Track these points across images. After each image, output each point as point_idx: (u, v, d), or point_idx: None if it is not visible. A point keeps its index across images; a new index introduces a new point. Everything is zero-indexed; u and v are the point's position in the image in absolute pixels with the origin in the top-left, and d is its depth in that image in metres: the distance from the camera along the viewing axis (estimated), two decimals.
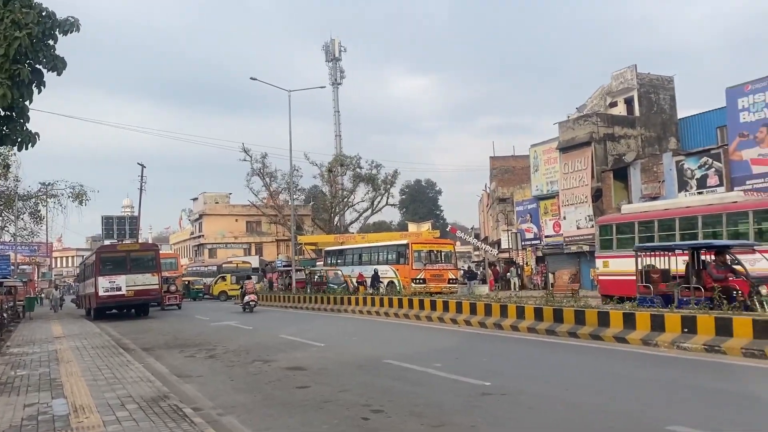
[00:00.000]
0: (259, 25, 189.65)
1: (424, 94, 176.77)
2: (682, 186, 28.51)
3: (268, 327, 19.47)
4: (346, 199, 57.31)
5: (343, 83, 76.06)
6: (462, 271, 40.85)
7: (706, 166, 27.82)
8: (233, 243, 65.71)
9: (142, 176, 45.44)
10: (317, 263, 42.86)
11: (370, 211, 57.17)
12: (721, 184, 26.78)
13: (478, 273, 47.16)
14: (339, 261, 36.07)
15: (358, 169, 55.57)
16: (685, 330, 11.32)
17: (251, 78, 31.17)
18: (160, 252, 32.61)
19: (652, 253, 15.70)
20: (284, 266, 43.62)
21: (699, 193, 26.74)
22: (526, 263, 41.34)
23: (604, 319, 13.16)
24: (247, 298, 26.94)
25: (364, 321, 20.75)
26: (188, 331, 19.56)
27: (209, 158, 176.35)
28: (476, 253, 60.43)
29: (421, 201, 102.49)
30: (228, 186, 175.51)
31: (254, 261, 55.78)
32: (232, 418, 7.43)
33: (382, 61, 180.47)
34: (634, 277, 17.42)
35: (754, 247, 14.16)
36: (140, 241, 49.57)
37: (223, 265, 51.07)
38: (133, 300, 26.80)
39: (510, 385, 8.68)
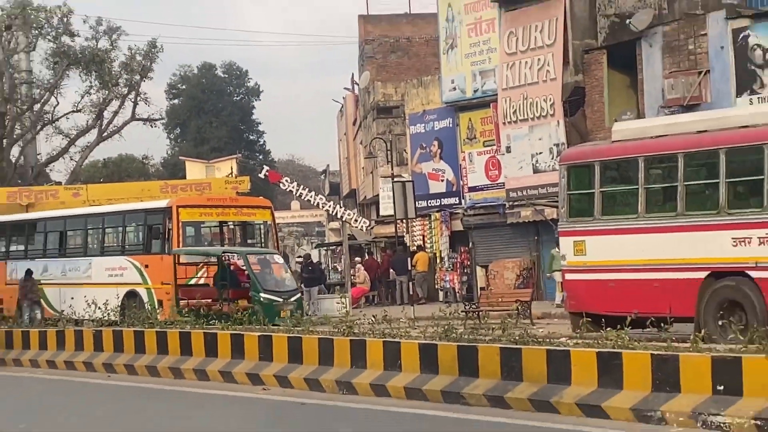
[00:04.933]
0: None
1: None
2: (746, 82, 24.47)
3: None
4: (37, 106, 42.02)
5: None
6: (296, 267, 34.40)
7: None
8: None
9: None
10: None
11: (95, 133, 42.28)
12: None
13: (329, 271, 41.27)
14: (14, 248, 27.95)
15: (66, 38, 40.18)
16: (719, 386, 9.67)
17: None
18: None
19: None
20: None
21: None
22: (417, 247, 34.16)
23: (560, 368, 10.91)
24: None
25: (57, 385, 16.27)
26: None
27: None
28: (333, 225, 50.48)
29: (216, 113, 75.00)
30: None
31: None
32: None
33: None
34: (636, 275, 16.34)
35: None
36: None
37: None
38: None
39: None
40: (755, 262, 14.14)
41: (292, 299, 20.73)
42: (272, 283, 20.93)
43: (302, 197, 36.71)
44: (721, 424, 9.22)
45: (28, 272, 24.39)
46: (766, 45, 23.81)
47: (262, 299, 19.94)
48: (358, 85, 46.53)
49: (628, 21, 26.55)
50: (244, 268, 21.56)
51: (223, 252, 22.16)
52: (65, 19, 40.06)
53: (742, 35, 24.20)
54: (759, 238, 14.09)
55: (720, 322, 14.43)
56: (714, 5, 26.07)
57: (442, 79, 32.10)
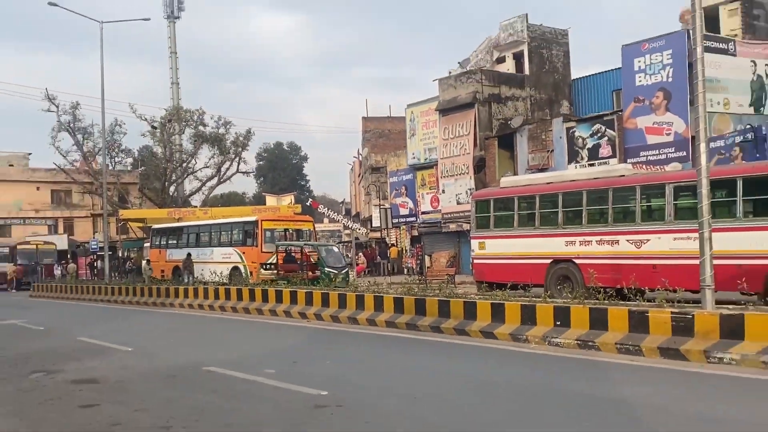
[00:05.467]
0: None
1: (288, 35, 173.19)
2: (573, 156, 29.99)
3: (66, 327, 18.48)
4: (185, 164, 55.05)
5: (181, 17, 73.05)
6: None
7: (599, 135, 29.32)
8: (34, 218, 61.43)
9: None
10: (145, 244, 41.05)
11: (216, 179, 55.38)
12: (614, 155, 28.24)
13: (344, 257, 48.68)
14: (171, 242, 34.90)
15: (201, 127, 53.42)
16: (558, 323, 11.86)
17: (50, 3, 29.06)
18: None
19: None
20: (100, 247, 41.36)
21: (590, 164, 28.14)
22: (392, 244, 43.39)
23: (470, 311, 13.53)
24: None
25: (193, 317, 20.44)
26: None
27: (2, 106, 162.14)
28: (346, 231, 61.49)
29: (283, 169, 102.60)
30: (27, 144, 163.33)
31: (61, 242, 52.58)
32: None
33: None
34: (513, 261, 18.64)
35: None
36: None
37: (18, 247, 47.60)
38: None
39: (349, 396, 8.61)
40: (577, 254, 17.60)
41: (343, 272, 25.58)
42: (331, 262, 25.67)
43: (330, 216, 49.81)
44: (559, 343, 11.52)
45: (189, 255, 30.57)
46: (584, 136, 29.51)
47: (325, 271, 24.63)
48: (361, 155, 60.79)
49: (509, 122, 34.57)
50: (311, 254, 26.21)
51: (304, 245, 27.24)
52: (201, 117, 53.65)
53: (571, 130, 30.26)
54: (578, 241, 17.63)
55: (558, 287, 17.38)
56: (556, 114, 33.66)
57: (407, 153, 41.43)
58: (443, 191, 36.44)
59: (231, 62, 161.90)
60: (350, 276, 27.15)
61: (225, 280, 25.49)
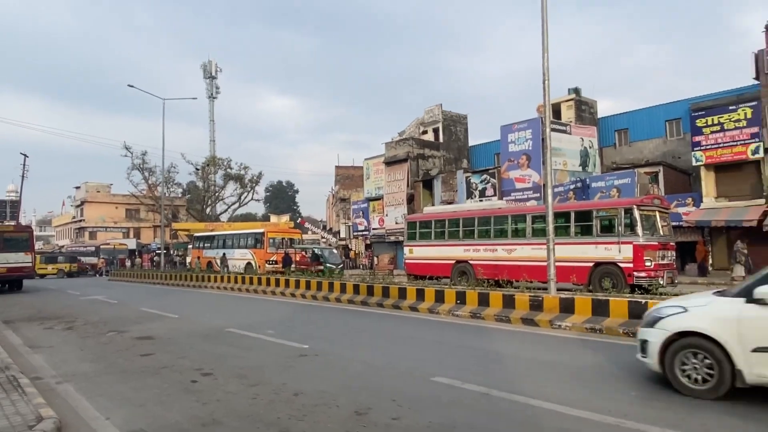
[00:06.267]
0: (145, 42, 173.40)
1: (290, 111, 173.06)
2: (469, 195, 29.97)
3: (133, 301, 17.53)
4: (217, 194, 53.05)
5: (218, 97, 71.46)
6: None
7: (486, 182, 29.45)
8: (113, 227, 59.24)
9: (24, 165, 39.24)
10: (189, 246, 39.85)
11: (237, 204, 53.17)
12: (495, 195, 28.40)
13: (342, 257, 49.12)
14: (207, 245, 33.42)
15: (228, 169, 51.74)
16: (458, 302, 11.76)
17: (129, 85, 28.46)
18: None
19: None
20: (158, 247, 40.07)
21: (480, 200, 28.15)
22: (351, 249, 42.95)
23: (403, 293, 13.33)
24: None
25: (220, 295, 19.43)
26: (55, 304, 17.00)
27: (94, 152, 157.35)
28: (323, 240, 60.74)
29: (282, 198, 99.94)
30: (110, 178, 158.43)
31: (131, 243, 50.80)
32: (69, 386, 6.42)
33: (255, 83, 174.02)
34: (431, 261, 18.17)
35: None
36: (21, 223, 42.76)
37: (101, 247, 45.84)
38: (5, 276, 23.44)
39: (323, 348, 8.43)
40: (471, 258, 17.25)
41: (339, 266, 24.17)
42: (331, 260, 24.53)
43: (312, 229, 50.05)
44: (458, 314, 11.24)
45: (224, 255, 29.09)
46: (476, 182, 29.33)
47: (327, 266, 23.24)
48: (334, 190, 57.35)
49: (429, 172, 34.18)
50: (303, 254, 24.60)
51: (312, 248, 25.70)
52: (228, 163, 50.36)
53: (468, 178, 30.12)
54: (472, 249, 17.28)
55: (459, 279, 17.28)
56: (459, 168, 33.55)
57: (364, 189, 39.65)
58: (387, 215, 36.21)
59: (250, 128, 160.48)
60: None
61: (241, 271, 24.57)
